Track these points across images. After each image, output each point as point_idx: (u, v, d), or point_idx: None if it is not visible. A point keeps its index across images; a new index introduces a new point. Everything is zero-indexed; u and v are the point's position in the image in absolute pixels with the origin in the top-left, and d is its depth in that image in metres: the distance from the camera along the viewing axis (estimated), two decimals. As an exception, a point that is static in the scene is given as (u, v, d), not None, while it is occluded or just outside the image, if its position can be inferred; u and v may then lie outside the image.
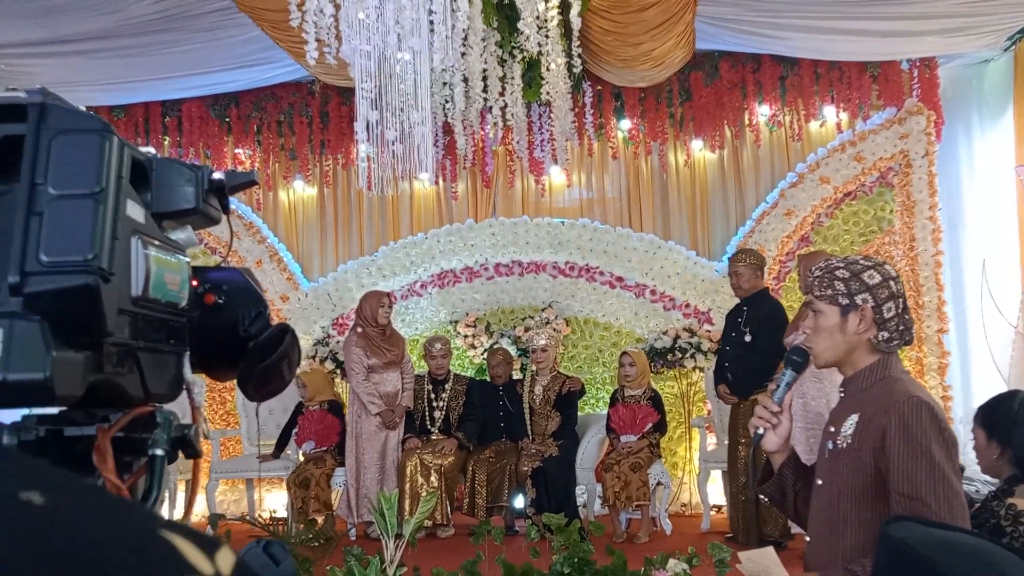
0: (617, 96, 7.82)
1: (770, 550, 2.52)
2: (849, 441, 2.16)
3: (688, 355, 7.38)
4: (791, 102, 7.62)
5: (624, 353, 6.81)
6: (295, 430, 7.13)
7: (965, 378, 7.31)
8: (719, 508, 6.67)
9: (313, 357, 7.88)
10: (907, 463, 2.02)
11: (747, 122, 7.74)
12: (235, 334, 0.93)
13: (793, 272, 7.42)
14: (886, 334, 2.19)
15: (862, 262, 2.25)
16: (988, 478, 3.31)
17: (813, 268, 2.34)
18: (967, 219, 7.46)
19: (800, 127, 7.67)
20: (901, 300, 2.21)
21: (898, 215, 7.48)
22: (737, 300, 6.38)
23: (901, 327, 2.20)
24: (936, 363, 7.30)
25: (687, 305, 7.68)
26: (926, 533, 1.35)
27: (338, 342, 7.77)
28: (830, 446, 2.24)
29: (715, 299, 7.45)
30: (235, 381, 0.97)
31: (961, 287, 7.43)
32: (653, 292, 7.73)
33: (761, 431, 2.32)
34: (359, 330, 6.79)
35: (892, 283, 2.20)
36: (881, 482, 2.09)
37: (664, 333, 7.56)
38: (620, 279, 7.79)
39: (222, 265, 0.98)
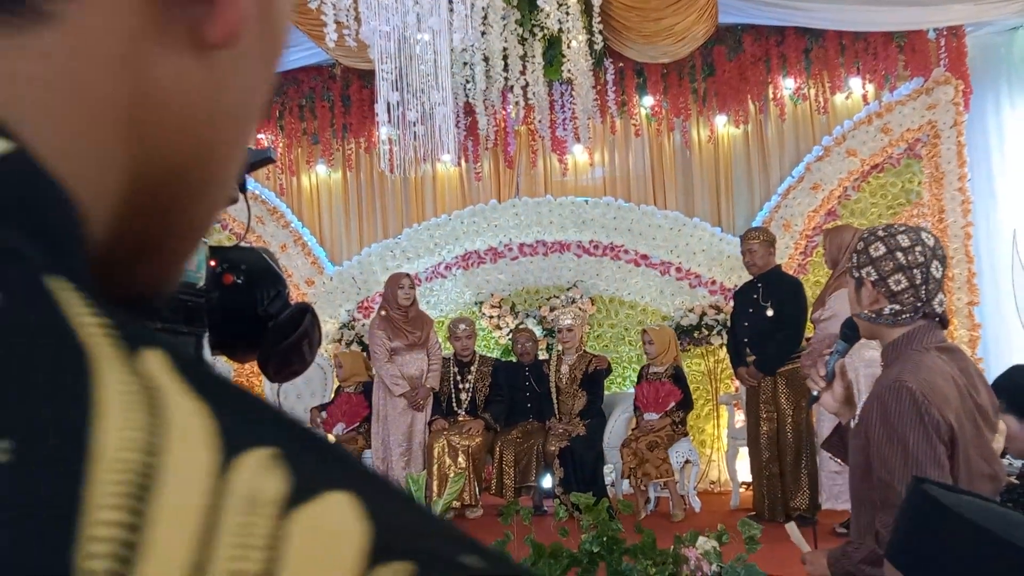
0: (639, 73, 7.75)
1: (791, 525, 2.54)
2: (856, 420, 2.14)
3: (715, 332, 7.33)
4: (816, 75, 7.52)
5: (644, 331, 6.79)
6: (324, 413, 7.16)
7: (999, 351, 7.22)
8: (748, 485, 6.65)
9: (339, 340, 7.91)
10: (884, 448, 1.97)
11: (771, 96, 7.65)
12: (254, 314, 0.91)
13: (820, 247, 7.34)
14: (897, 307, 2.09)
15: (879, 233, 2.15)
16: None
17: None
18: (998, 190, 7.35)
19: (825, 100, 7.57)
20: (917, 271, 2.07)
21: (926, 187, 7.38)
22: (749, 278, 6.39)
23: (919, 301, 2.08)
24: (967, 336, 7.22)
25: (713, 282, 7.63)
26: (947, 494, 1.35)
27: (363, 325, 7.78)
28: (851, 424, 2.22)
29: (741, 275, 7.37)
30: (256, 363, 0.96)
31: (994, 259, 7.33)
32: (679, 269, 7.69)
33: (816, 392, 2.30)
34: (383, 313, 6.80)
35: (901, 254, 2.08)
36: None
37: (690, 310, 7.51)
38: (645, 257, 7.74)
39: (241, 245, 0.96)
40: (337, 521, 0.23)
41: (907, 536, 1.38)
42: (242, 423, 0.24)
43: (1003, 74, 7.37)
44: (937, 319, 2.11)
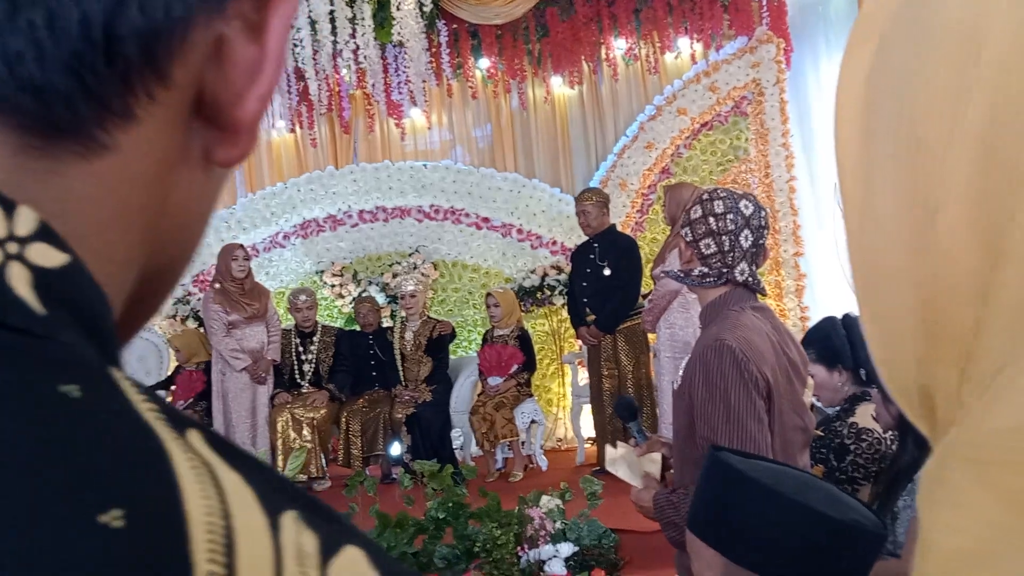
0: (474, 34, 7.69)
1: (629, 447, 2.44)
2: (679, 381, 2.18)
3: (557, 292, 7.42)
4: (646, 35, 7.63)
5: (489, 294, 6.80)
6: (167, 394, 6.89)
7: (823, 299, 7.57)
8: (593, 440, 6.79)
9: (174, 316, 7.62)
10: (707, 406, 2.01)
11: (604, 57, 7.73)
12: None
13: (656, 204, 7.50)
14: (705, 270, 2.15)
15: (704, 196, 2.19)
16: None
17: None
18: (818, 144, 7.65)
19: (656, 60, 7.71)
20: (725, 238, 2.12)
21: (753, 143, 7.63)
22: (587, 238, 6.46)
23: (725, 267, 2.13)
24: (794, 285, 7.54)
25: (554, 243, 7.71)
26: (745, 460, 1.38)
27: (199, 299, 7.51)
28: (674, 385, 2.28)
29: (581, 236, 7.49)
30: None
31: (817, 211, 7.64)
32: (519, 231, 7.73)
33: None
34: (217, 286, 6.57)
35: (713, 220, 2.12)
36: None
37: (532, 272, 7.58)
38: (486, 220, 7.75)
39: None
40: (360, 571, 0.30)
41: (705, 504, 1.40)
42: (268, 489, 0.30)
43: (821, 32, 7.64)
44: (743, 287, 2.15)
